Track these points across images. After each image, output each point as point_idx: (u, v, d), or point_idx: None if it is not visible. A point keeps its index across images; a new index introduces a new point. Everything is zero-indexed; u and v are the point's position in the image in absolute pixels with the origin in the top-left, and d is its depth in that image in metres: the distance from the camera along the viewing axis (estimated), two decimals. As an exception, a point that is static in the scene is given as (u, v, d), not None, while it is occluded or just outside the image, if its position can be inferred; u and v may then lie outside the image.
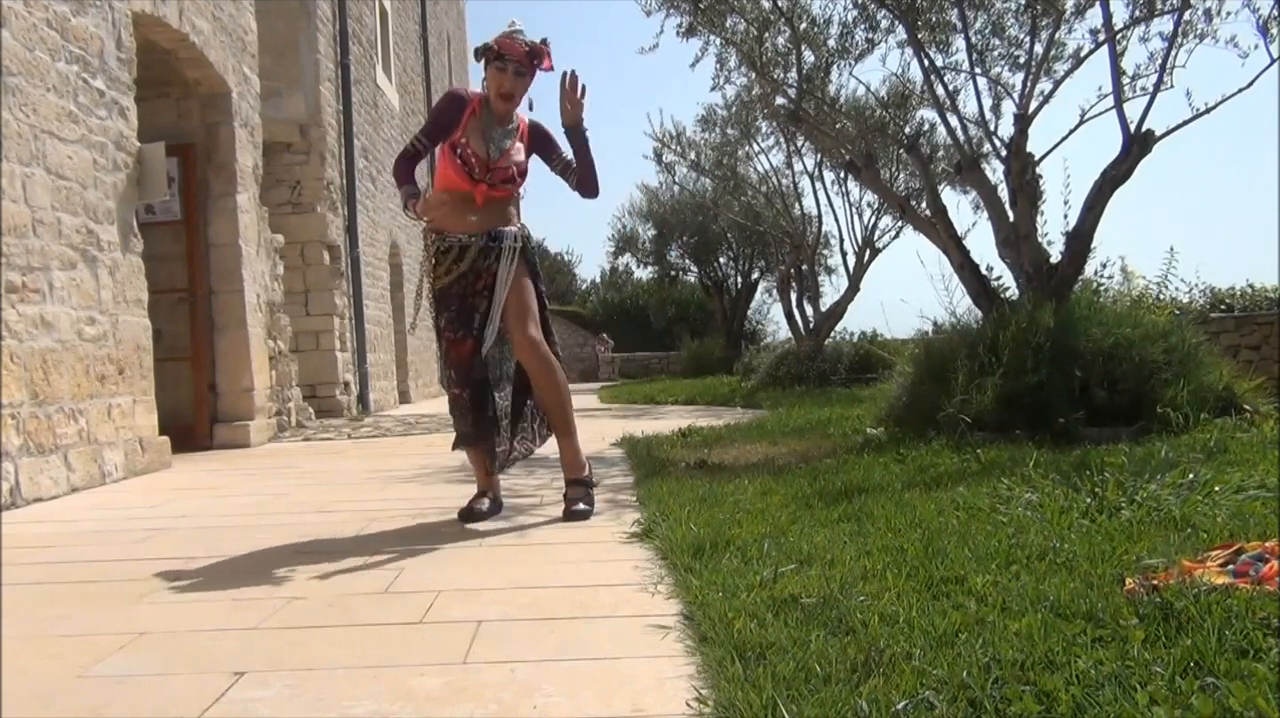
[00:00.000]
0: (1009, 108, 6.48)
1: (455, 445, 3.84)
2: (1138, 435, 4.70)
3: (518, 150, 3.66)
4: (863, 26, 7.50)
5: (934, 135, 12.00)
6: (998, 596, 2.09)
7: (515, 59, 3.53)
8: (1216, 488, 3.19)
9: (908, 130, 9.63)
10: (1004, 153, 6.12)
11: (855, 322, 20.66)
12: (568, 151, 3.75)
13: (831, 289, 16.36)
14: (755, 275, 22.78)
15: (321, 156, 10.69)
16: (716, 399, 11.99)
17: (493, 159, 3.59)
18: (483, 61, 3.59)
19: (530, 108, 3.74)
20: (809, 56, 7.85)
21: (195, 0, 7.03)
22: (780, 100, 8.54)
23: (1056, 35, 6.49)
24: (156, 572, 2.94)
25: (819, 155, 12.94)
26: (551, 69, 3.64)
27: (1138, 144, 5.68)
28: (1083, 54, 6.37)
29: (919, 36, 6.52)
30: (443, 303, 3.65)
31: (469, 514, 3.67)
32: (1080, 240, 5.82)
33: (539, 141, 3.74)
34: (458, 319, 3.64)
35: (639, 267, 26.67)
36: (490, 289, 3.64)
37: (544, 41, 3.61)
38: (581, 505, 3.67)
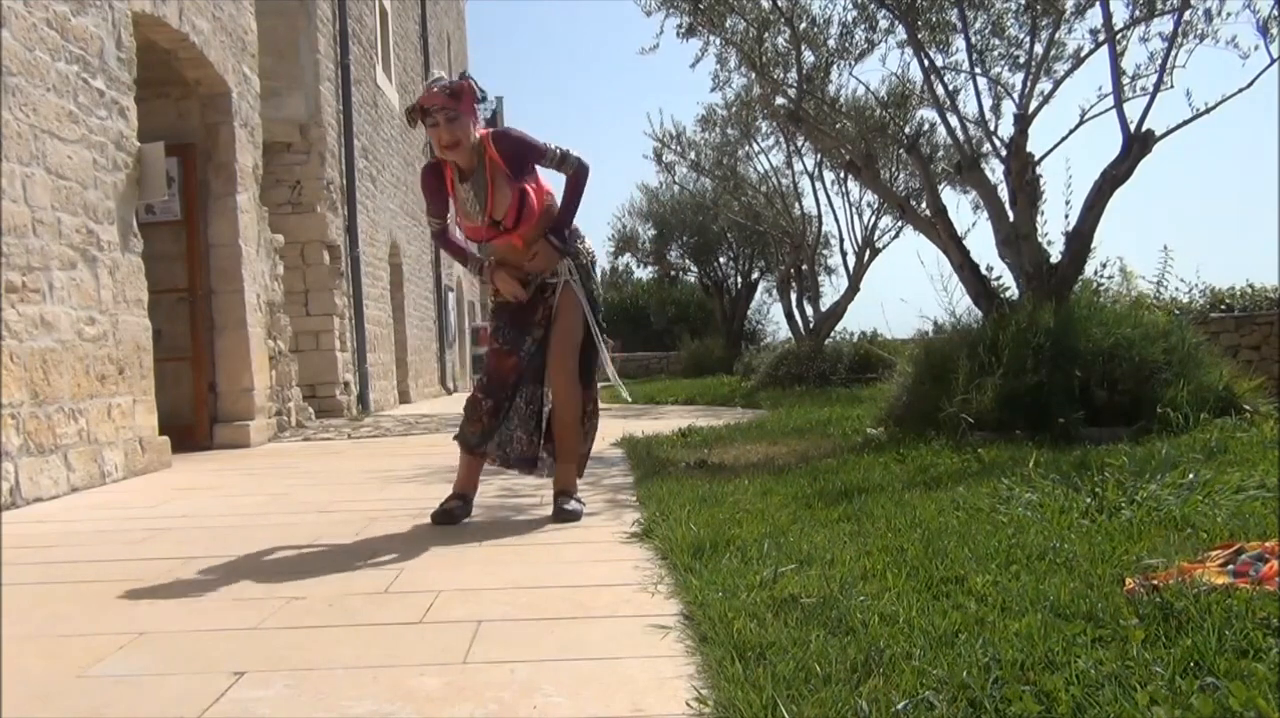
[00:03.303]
0: (1009, 108, 6.48)
1: (456, 438, 3.84)
2: (1138, 435, 4.70)
3: (500, 186, 3.53)
4: (863, 26, 7.50)
5: (934, 135, 11.97)
6: (998, 596, 2.09)
7: (440, 106, 3.46)
8: (1216, 488, 3.19)
9: (908, 130, 9.61)
10: (1004, 153, 6.12)
11: (855, 322, 20.62)
12: (551, 143, 3.61)
13: (831, 289, 16.33)
14: (755, 275, 22.75)
15: (321, 156, 10.69)
16: (716, 399, 11.99)
17: (484, 220, 3.55)
18: (419, 126, 3.53)
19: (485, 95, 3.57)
20: (809, 56, 7.85)
21: (195, 0, 7.03)
22: (780, 100, 8.54)
23: (1056, 35, 6.49)
24: (156, 572, 2.94)
25: (819, 155, 12.93)
26: (481, 101, 3.55)
27: (1138, 144, 5.68)
28: (1083, 54, 6.38)
29: (919, 36, 6.51)
30: (498, 314, 3.75)
31: (443, 516, 3.65)
32: (1080, 240, 5.82)
33: (513, 158, 3.52)
34: (509, 333, 3.71)
35: (639, 267, 26.65)
36: (548, 322, 3.71)
37: (464, 76, 3.58)
38: (572, 505, 3.67)
